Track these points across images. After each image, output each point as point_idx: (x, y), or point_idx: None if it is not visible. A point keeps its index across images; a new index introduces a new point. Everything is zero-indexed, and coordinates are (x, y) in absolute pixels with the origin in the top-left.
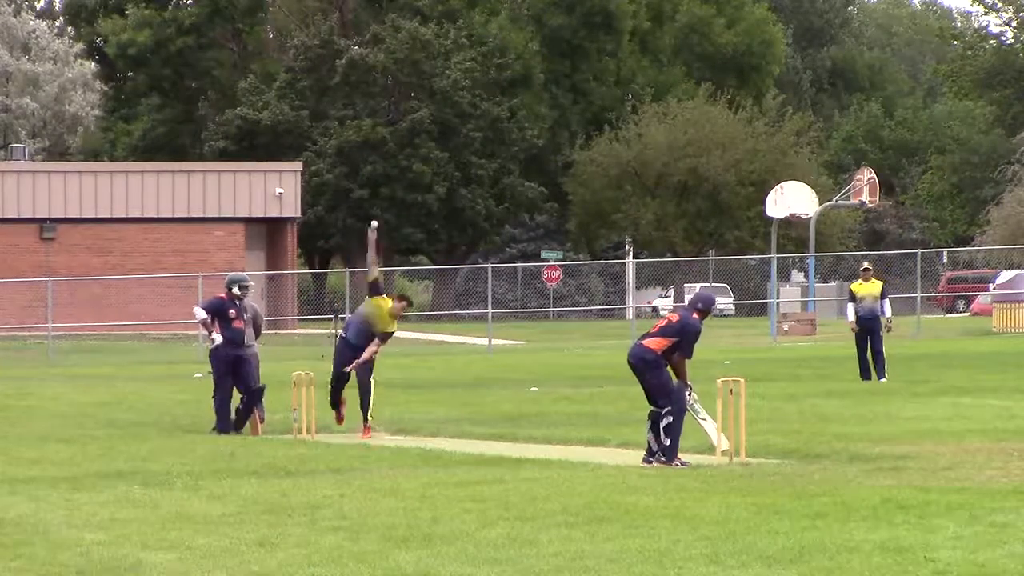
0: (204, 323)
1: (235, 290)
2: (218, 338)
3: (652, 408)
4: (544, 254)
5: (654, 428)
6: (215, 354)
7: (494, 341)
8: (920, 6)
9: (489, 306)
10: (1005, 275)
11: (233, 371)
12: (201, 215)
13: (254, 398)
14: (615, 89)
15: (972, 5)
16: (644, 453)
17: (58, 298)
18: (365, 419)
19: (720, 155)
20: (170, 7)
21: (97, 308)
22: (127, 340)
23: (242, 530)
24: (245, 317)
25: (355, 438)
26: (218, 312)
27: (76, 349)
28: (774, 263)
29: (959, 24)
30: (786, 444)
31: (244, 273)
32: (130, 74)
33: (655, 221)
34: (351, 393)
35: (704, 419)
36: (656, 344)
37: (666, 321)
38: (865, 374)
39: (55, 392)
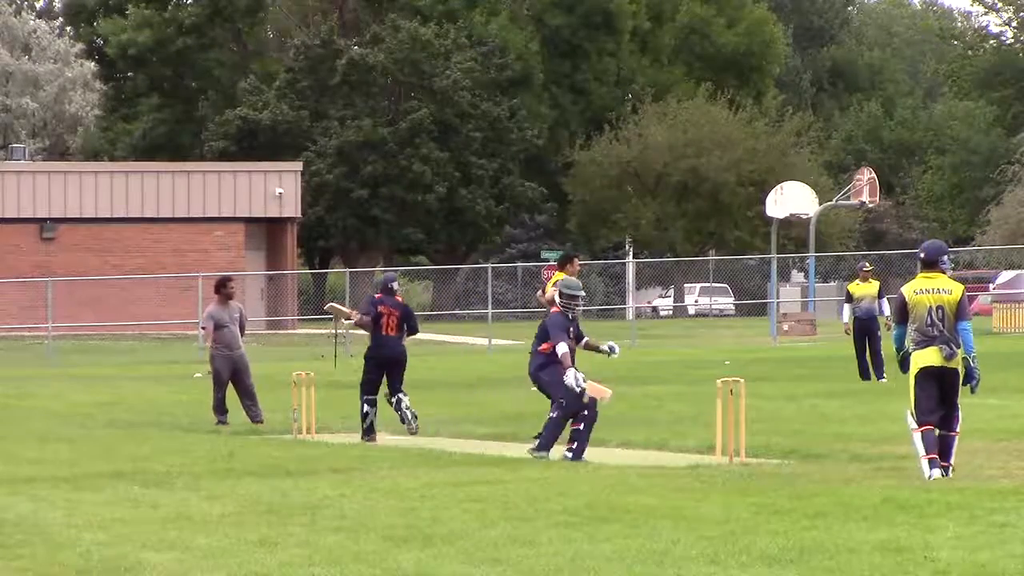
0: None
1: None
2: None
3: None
4: (544, 254)
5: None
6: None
7: (494, 341)
8: (920, 6)
9: (489, 306)
10: (1005, 275)
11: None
12: (201, 215)
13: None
14: (615, 89)
15: (972, 5)
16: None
17: (58, 298)
18: None
19: (720, 155)
20: (170, 7)
21: (97, 308)
22: (127, 340)
23: (242, 530)
24: (234, 316)
25: (355, 438)
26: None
27: (76, 349)
28: (774, 263)
29: (959, 24)
30: (786, 444)
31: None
32: (130, 74)
33: (655, 221)
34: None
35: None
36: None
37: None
38: (864, 375)
39: (55, 392)
